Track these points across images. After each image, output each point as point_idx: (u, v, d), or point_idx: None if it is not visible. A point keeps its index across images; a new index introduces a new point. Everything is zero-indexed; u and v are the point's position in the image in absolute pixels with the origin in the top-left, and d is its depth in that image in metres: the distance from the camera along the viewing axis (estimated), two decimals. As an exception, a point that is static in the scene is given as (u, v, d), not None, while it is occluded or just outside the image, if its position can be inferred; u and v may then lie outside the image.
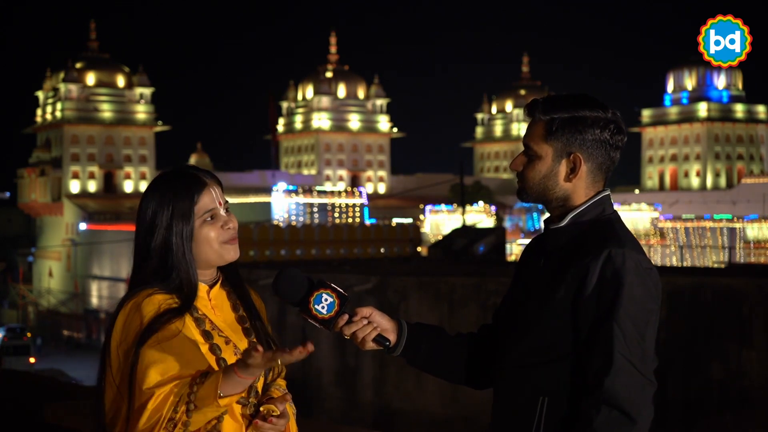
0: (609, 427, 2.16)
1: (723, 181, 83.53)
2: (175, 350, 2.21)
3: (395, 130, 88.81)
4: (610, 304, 2.21)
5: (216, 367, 2.27)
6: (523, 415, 2.31)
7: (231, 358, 2.31)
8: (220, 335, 2.34)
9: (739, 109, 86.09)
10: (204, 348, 2.29)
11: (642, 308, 2.23)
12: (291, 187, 54.19)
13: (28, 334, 45.34)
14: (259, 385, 2.38)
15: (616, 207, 2.40)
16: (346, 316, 2.41)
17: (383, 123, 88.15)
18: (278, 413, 2.32)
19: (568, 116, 2.33)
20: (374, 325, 2.44)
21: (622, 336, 2.19)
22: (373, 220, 54.13)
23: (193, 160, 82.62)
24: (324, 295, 2.37)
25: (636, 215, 61.71)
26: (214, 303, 2.40)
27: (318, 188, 57.81)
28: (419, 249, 45.32)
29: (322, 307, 2.37)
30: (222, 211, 2.40)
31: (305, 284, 2.38)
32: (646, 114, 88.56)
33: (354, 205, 55.18)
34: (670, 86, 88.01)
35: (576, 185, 2.35)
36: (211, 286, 2.42)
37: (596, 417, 2.17)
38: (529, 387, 2.31)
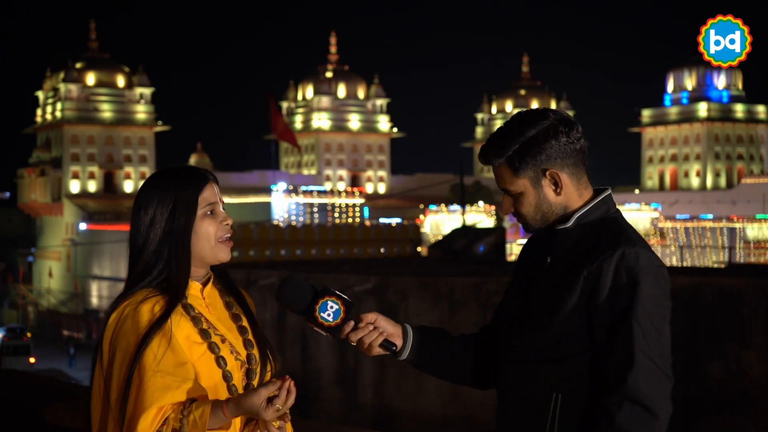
0: (632, 423, 2.20)
1: (723, 181, 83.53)
2: (168, 371, 2.19)
3: (395, 130, 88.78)
4: (628, 302, 2.25)
5: (216, 367, 2.27)
6: (534, 412, 2.33)
7: (228, 356, 2.31)
8: (216, 333, 2.32)
9: (739, 109, 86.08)
10: (202, 348, 2.28)
11: (657, 305, 2.29)
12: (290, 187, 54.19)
13: (29, 334, 45.34)
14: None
15: (615, 207, 2.42)
16: (352, 323, 2.40)
17: (383, 123, 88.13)
18: None
19: (520, 146, 2.34)
20: (380, 330, 2.45)
21: (641, 333, 2.24)
22: (369, 217, 54.08)
23: (193, 160, 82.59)
24: (329, 302, 2.35)
25: (636, 215, 61.69)
26: (208, 301, 2.39)
27: (318, 188, 57.76)
28: (419, 249, 45.24)
29: (328, 315, 2.35)
30: (221, 208, 2.39)
31: (310, 292, 2.36)
32: (646, 114, 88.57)
33: (354, 205, 55.15)
34: (670, 86, 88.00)
35: (567, 195, 2.37)
36: (204, 285, 2.41)
37: (618, 413, 2.21)
38: (538, 384, 2.33)
